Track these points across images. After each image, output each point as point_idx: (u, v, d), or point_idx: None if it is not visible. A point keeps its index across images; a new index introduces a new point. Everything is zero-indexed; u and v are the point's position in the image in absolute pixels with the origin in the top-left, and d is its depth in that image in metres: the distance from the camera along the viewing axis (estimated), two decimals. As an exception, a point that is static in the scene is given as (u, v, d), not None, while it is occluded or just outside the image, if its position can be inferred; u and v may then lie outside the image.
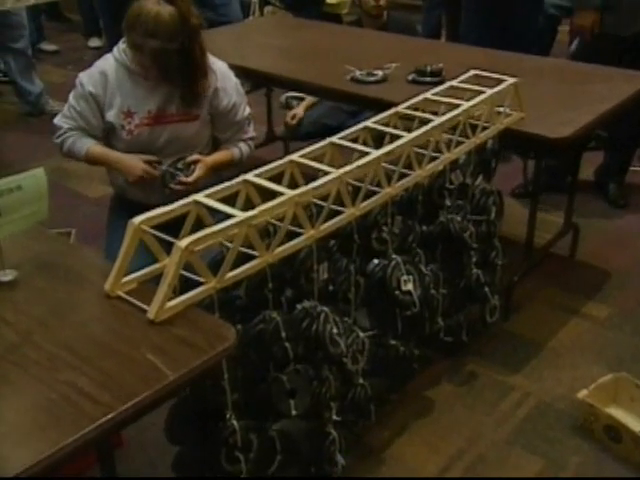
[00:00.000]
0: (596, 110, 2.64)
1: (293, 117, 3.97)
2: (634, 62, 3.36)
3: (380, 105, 2.99)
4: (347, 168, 1.84)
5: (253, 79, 3.80)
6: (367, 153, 1.92)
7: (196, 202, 1.67)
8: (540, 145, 2.60)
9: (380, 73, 3.00)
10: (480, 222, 2.41)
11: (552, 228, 3.22)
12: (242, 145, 2.60)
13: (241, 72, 3.32)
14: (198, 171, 2.43)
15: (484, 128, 2.29)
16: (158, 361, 1.41)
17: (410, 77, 2.97)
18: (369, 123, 2.11)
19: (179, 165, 2.43)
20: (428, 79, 2.92)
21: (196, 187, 2.30)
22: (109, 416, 1.27)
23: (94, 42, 6.12)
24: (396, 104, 2.78)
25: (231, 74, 2.54)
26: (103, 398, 1.31)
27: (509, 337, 2.71)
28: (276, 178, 1.85)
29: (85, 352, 1.43)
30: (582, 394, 2.32)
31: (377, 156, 1.91)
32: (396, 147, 1.96)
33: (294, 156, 1.89)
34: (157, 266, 1.65)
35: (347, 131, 2.06)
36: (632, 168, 3.85)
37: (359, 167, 1.86)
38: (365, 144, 2.06)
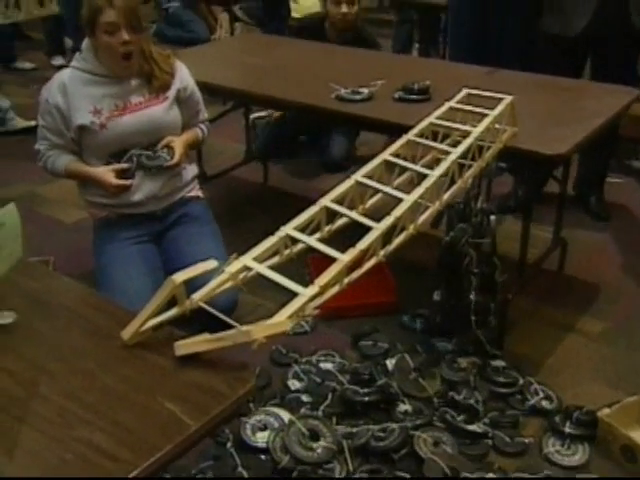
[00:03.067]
0: (589, 126, 2.59)
1: None
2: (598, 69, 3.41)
3: (368, 123, 2.95)
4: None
5: (232, 98, 3.71)
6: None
7: (246, 267, 1.60)
8: (536, 162, 2.55)
9: (366, 91, 2.92)
10: (483, 244, 2.38)
11: (537, 242, 3.17)
12: (202, 126, 2.79)
13: (220, 91, 3.26)
14: (178, 149, 2.56)
15: (488, 148, 2.23)
16: (178, 410, 1.31)
17: (397, 95, 2.89)
18: (387, 156, 2.06)
19: (149, 152, 2.54)
20: (415, 97, 2.86)
21: (179, 166, 2.58)
22: (132, 474, 1.16)
23: (57, 60, 6.04)
24: (384, 122, 2.77)
25: (181, 63, 2.68)
26: (123, 455, 1.20)
27: (507, 356, 2.63)
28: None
29: (98, 404, 1.32)
30: (603, 413, 2.27)
31: (414, 199, 1.88)
32: (427, 187, 1.94)
33: (324, 201, 1.83)
34: (173, 313, 1.54)
35: (366, 168, 2.00)
36: (609, 180, 3.83)
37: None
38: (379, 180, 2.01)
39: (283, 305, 1.49)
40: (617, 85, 3.08)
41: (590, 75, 3.52)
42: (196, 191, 2.76)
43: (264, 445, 2.14)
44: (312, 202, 1.82)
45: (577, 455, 2.23)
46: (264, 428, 2.21)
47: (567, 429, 2.29)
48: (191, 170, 2.72)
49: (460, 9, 3.76)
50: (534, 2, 3.43)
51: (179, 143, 2.57)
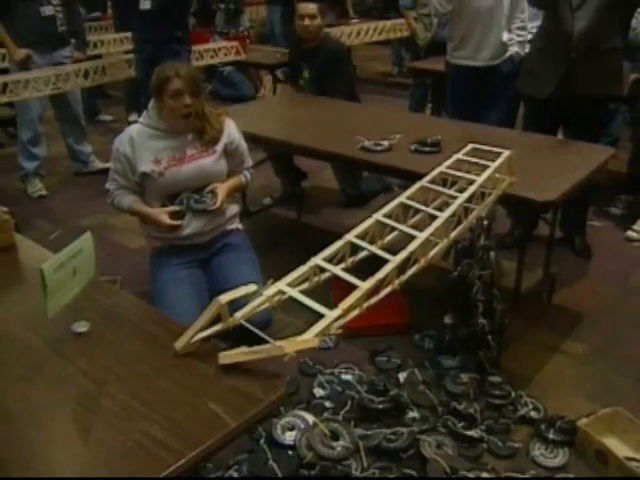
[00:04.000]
0: (572, 178, 2.61)
1: None
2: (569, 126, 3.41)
3: (388, 170, 2.98)
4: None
5: (272, 147, 3.76)
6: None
7: (281, 291, 1.62)
8: (530, 206, 2.56)
9: (386, 143, 2.96)
10: (483, 275, 2.38)
11: (530, 275, 3.15)
12: (246, 173, 2.78)
13: (263, 141, 3.31)
14: (220, 194, 2.57)
15: (489, 194, 2.24)
16: (220, 410, 1.33)
17: (412, 147, 2.92)
18: (403, 199, 2.08)
19: (197, 196, 2.56)
20: (428, 149, 2.89)
21: (222, 209, 2.59)
22: (181, 462, 1.18)
23: (133, 117, 6.09)
24: (402, 170, 2.79)
25: (230, 120, 2.70)
26: (174, 446, 1.22)
27: (503, 372, 2.61)
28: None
29: (154, 402, 1.35)
30: (581, 422, 2.26)
31: (426, 236, 1.90)
32: (437, 227, 1.96)
33: (349, 236, 1.85)
34: (217, 328, 1.57)
35: (385, 208, 2.02)
36: (590, 223, 3.81)
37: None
38: (397, 219, 2.03)
39: (311, 324, 1.51)
40: (596, 144, 3.09)
41: (563, 132, 3.53)
42: (236, 224, 2.78)
43: (292, 442, 2.14)
44: (338, 236, 1.84)
45: (558, 458, 2.21)
46: (292, 428, 2.20)
47: (551, 435, 2.27)
48: (233, 209, 2.74)
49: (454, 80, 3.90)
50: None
51: (222, 190, 2.58)
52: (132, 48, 4.92)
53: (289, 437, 2.16)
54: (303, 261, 1.72)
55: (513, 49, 3.70)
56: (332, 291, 2.50)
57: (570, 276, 3.41)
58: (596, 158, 2.83)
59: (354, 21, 6.77)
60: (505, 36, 3.67)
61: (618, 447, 2.19)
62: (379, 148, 2.92)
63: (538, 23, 3.38)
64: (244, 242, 2.75)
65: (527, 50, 3.58)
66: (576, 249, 3.66)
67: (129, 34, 5.14)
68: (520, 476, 2.11)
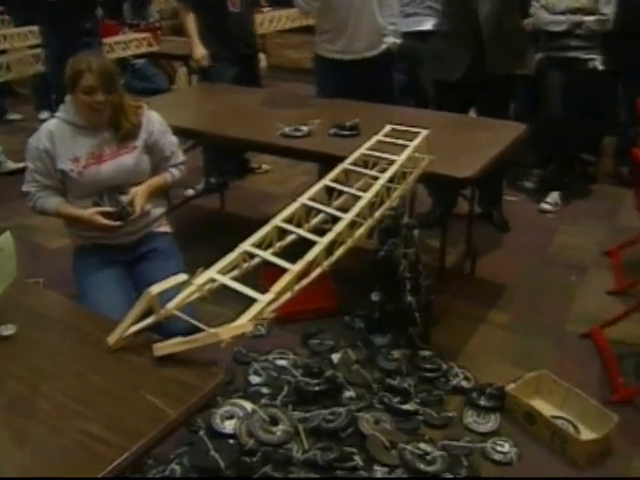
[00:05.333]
0: (488, 154, 2.67)
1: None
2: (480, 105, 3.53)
3: (308, 155, 2.99)
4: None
5: (192, 138, 3.70)
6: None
7: (212, 279, 1.61)
8: (449, 183, 2.62)
9: (305, 128, 2.96)
10: (408, 253, 2.42)
11: (453, 250, 3.25)
12: (173, 170, 2.62)
13: (182, 133, 3.26)
14: (138, 201, 2.43)
15: (410, 173, 2.28)
16: (158, 401, 1.31)
17: (331, 131, 2.94)
18: (326, 182, 2.09)
19: (119, 200, 2.42)
20: (347, 132, 2.91)
21: (144, 211, 2.45)
22: (123, 456, 1.16)
23: (44, 115, 5.83)
24: (322, 154, 2.80)
25: (153, 112, 2.56)
26: (114, 440, 1.20)
27: (432, 346, 2.67)
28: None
29: (89, 399, 1.32)
30: (509, 387, 2.34)
31: (351, 217, 1.93)
32: (361, 208, 1.98)
33: (275, 221, 1.85)
34: (150, 320, 1.54)
35: (310, 192, 2.03)
36: (506, 198, 3.94)
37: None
38: (321, 202, 2.05)
39: (242, 312, 1.50)
40: (508, 121, 3.19)
41: (475, 111, 3.64)
42: (164, 227, 2.66)
43: (232, 431, 2.14)
44: (263, 224, 1.83)
45: (490, 423, 2.29)
46: (231, 417, 2.20)
47: (482, 402, 2.35)
48: (159, 209, 2.62)
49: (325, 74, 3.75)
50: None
51: (140, 196, 2.45)
52: (39, 42, 4.72)
53: (229, 426, 2.15)
54: (229, 252, 1.71)
55: (389, 39, 3.56)
56: (260, 280, 2.50)
57: (490, 250, 3.53)
58: (509, 134, 2.91)
59: (266, 9, 6.73)
60: (380, 25, 3.50)
61: (545, 407, 2.30)
62: (298, 134, 2.93)
63: None
64: (170, 247, 2.61)
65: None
66: (495, 224, 3.79)
67: (35, 27, 4.93)
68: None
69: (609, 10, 3.66)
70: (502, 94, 3.49)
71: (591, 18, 3.66)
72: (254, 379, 2.45)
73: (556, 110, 3.91)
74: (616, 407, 2.28)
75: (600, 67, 3.65)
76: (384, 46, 3.56)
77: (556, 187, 4.08)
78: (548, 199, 4.02)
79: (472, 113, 3.66)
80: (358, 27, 3.46)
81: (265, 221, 1.85)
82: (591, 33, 3.66)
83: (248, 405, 2.23)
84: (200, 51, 4.01)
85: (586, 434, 2.18)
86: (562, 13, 3.71)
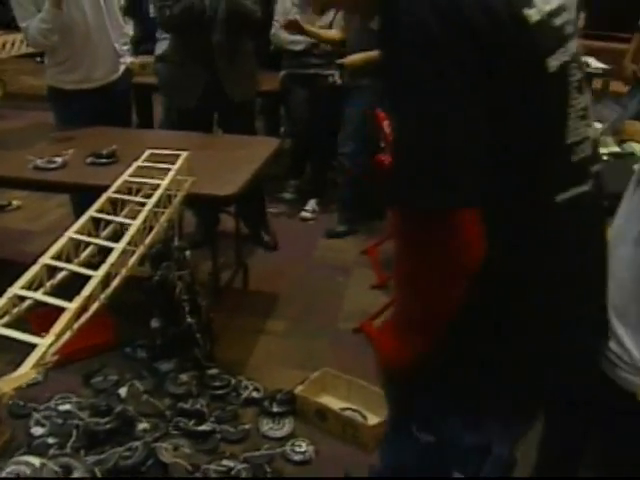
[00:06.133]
0: (249, 170, 2.77)
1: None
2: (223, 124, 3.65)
3: (66, 187, 2.85)
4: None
5: None
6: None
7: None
8: (213, 202, 2.66)
9: (59, 159, 2.82)
10: (183, 275, 2.43)
11: (225, 268, 3.31)
12: None
13: None
14: None
15: (175, 196, 2.29)
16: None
17: (88, 160, 2.84)
18: (92, 213, 2.02)
19: None
20: (104, 160, 2.83)
21: None
22: None
23: None
24: (80, 185, 2.69)
25: None
26: None
27: (219, 364, 2.69)
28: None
29: None
30: (298, 389, 2.45)
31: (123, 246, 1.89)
32: (132, 235, 1.94)
33: (43, 259, 1.76)
34: None
35: (76, 225, 1.96)
36: (269, 210, 4.08)
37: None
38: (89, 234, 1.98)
39: (12, 362, 1.41)
40: (262, 137, 3.32)
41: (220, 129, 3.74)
42: None
43: (20, 493, 1.97)
44: (25, 264, 1.73)
45: (285, 427, 2.38)
46: (17, 477, 2.02)
47: (274, 409, 2.43)
48: None
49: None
50: None
51: None
52: None
53: (15, 487, 1.98)
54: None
55: (126, 59, 3.45)
56: (29, 324, 2.34)
57: (260, 263, 3.64)
58: (265, 149, 3.04)
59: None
60: (116, 49, 3.35)
61: (332, 402, 2.45)
62: (53, 165, 2.78)
63: None
64: None
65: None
66: (264, 244, 3.82)
67: None
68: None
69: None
70: (245, 118, 3.61)
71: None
72: (37, 430, 2.28)
73: (302, 123, 4.15)
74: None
75: (339, 81, 3.94)
76: (122, 67, 3.41)
77: (312, 195, 4.32)
78: (307, 207, 4.26)
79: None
80: (97, 54, 3.25)
81: (26, 261, 1.74)
82: (326, 52, 3.94)
83: (35, 460, 2.06)
84: None
85: (372, 419, 2.35)
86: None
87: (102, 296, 1.77)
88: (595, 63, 4.90)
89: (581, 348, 1.20)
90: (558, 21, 1.06)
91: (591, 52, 4.95)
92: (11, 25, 7.54)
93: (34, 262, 1.74)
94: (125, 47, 3.45)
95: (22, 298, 1.64)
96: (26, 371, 1.37)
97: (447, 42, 0.96)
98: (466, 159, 0.98)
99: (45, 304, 1.65)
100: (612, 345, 1.29)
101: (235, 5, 3.25)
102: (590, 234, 1.17)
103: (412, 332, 1.11)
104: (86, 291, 1.67)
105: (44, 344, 1.45)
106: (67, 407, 2.39)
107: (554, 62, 1.04)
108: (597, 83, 4.97)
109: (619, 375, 1.29)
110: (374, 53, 3.44)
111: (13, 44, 5.78)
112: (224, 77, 3.36)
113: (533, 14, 1.02)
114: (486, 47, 0.97)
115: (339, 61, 3.69)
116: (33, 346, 1.47)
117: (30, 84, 7.57)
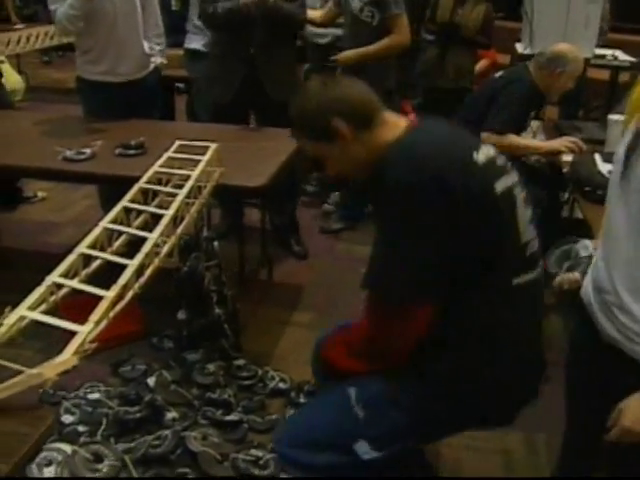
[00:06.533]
0: (276, 162, 2.77)
1: None
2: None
3: (96, 179, 2.87)
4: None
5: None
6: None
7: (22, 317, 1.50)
8: (243, 193, 2.66)
9: (88, 151, 2.84)
10: (211, 266, 2.44)
11: (250, 259, 3.31)
12: None
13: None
14: None
15: (205, 187, 2.30)
16: (-15, 458, 1.19)
17: (117, 151, 2.85)
18: (125, 203, 2.04)
19: None
20: (133, 151, 2.84)
21: None
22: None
23: None
24: (110, 176, 2.71)
25: None
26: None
27: (245, 354, 2.70)
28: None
29: None
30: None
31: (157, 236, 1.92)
32: (165, 225, 1.97)
33: (79, 248, 1.79)
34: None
35: (108, 216, 1.98)
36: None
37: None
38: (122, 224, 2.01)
39: (43, 350, 1.43)
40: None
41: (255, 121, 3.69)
42: None
43: (53, 478, 1.99)
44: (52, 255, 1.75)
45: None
46: (49, 464, 2.04)
47: (301, 400, 2.44)
48: None
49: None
50: None
51: None
52: None
53: (48, 473, 1.99)
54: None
55: (157, 60, 3.44)
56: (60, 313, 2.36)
57: (285, 254, 3.64)
58: (289, 143, 3.02)
59: (19, 26, 6.28)
60: (145, 46, 3.33)
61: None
62: (82, 157, 2.80)
63: None
64: None
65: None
66: (294, 253, 3.68)
67: None
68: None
69: None
70: (284, 117, 3.57)
71: None
72: (67, 418, 2.29)
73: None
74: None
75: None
76: (152, 66, 3.41)
77: (335, 188, 4.31)
78: (329, 200, 4.25)
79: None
80: (123, 48, 3.23)
81: (50, 252, 1.77)
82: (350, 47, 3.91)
83: (67, 447, 2.08)
84: None
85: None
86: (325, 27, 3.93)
87: (136, 285, 1.79)
88: (622, 56, 4.84)
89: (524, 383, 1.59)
90: (500, 161, 1.49)
91: (618, 45, 4.90)
92: (33, 18, 7.66)
93: (59, 254, 1.76)
94: (158, 47, 3.43)
95: (59, 286, 1.66)
96: (68, 358, 1.38)
97: (425, 203, 1.35)
98: (431, 268, 1.38)
99: (80, 292, 1.67)
100: (626, 321, 1.37)
101: (278, 10, 3.21)
102: (534, 306, 1.58)
103: (369, 360, 1.65)
104: (122, 280, 1.69)
105: (84, 331, 1.47)
106: (96, 396, 2.40)
107: (500, 187, 1.42)
108: (624, 76, 4.90)
109: (636, 350, 1.36)
110: (368, 49, 3.50)
111: (37, 37, 5.80)
112: (263, 74, 3.32)
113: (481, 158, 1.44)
114: (459, 203, 1.34)
115: (333, 57, 3.66)
116: (70, 334, 1.49)
117: (53, 77, 7.64)
